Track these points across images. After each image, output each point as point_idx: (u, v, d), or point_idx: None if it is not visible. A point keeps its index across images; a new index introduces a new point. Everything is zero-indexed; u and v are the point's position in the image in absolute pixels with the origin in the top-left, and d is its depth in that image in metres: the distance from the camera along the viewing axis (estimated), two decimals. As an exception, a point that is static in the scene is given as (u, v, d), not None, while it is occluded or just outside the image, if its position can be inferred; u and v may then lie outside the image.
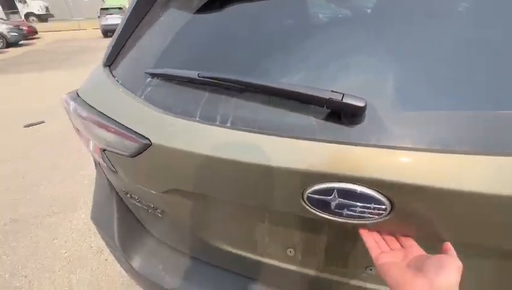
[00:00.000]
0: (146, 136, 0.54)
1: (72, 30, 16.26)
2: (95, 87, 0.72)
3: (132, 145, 0.56)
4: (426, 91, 0.46)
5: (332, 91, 0.42)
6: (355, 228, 0.51)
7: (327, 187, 0.44)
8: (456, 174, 0.38)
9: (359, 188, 0.42)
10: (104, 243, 1.70)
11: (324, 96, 0.42)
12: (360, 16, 0.59)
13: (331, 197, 0.44)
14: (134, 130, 0.56)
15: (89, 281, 1.48)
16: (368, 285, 0.62)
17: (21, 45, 11.30)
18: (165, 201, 0.65)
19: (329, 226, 0.56)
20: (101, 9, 13.63)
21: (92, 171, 2.45)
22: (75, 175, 2.42)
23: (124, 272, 1.53)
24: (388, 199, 0.42)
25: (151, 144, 0.54)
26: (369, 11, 0.57)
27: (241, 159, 0.47)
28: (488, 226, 0.42)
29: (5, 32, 10.62)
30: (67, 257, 1.63)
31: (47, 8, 19.52)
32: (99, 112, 0.62)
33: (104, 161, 0.69)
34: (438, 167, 0.39)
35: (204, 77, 0.52)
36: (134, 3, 0.71)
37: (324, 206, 0.46)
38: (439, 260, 0.41)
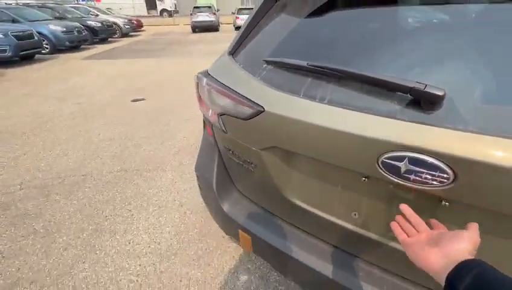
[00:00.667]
0: (261, 104, 0.75)
1: (168, 25, 18.81)
2: (222, 68, 0.97)
3: (249, 111, 0.78)
4: (495, 88, 0.54)
5: (417, 82, 0.54)
6: (416, 198, 0.61)
7: (399, 155, 0.55)
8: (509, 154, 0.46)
9: (428, 158, 0.53)
10: (183, 199, 2.08)
11: (409, 86, 0.54)
12: (442, 23, 0.67)
13: (402, 163, 0.56)
14: (253, 100, 0.77)
15: (172, 224, 1.86)
16: None
17: (131, 36, 13.75)
18: (261, 157, 0.85)
19: (393, 195, 0.67)
20: (194, 7, 15.37)
21: (175, 141, 2.95)
22: (164, 143, 2.95)
23: (197, 223, 1.86)
24: (452, 170, 0.51)
25: (263, 111, 0.74)
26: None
27: (333, 127, 0.63)
28: None
29: (121, 24, 13.07)
30: (157, 204, 2.06)
31: (175, 5, 23.45)
32: (226, 85, 0.86)
33: (218, 124, 0.93)
34: (496, 148, 0.47)
35: (312, 66, 0.69)
36: (256, 10, 0.93)
37: (395, 170, 0.57)
38: (454, 233, 0.45)
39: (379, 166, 0.59)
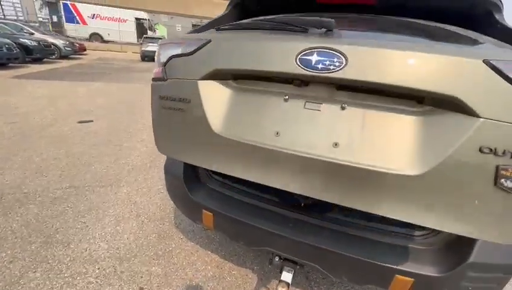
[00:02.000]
0: (208, 38, 1.06)
1: (115, 51, 18.31)
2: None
3: (197, 44, 1.05)
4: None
5: (320, 17, 0.99)
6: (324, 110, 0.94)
7: (311, 51, 0.85)
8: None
9: (329, 51, 0.84)
10: (140, 210, 2.19)
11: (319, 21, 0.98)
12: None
13: (312, 56, 0.84)
14: (202, 37, 1.08)
15: (130, 231, 1.96)
16: (336, 160, 0.87)
17: (72, 58, 12.95)
18: (197, 88, 1.04)
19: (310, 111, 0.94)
20: (144, 37, 15.59)
21: (129, 160, 3.03)
22: (117, 161, 3.00)
23: (156, 229, 2.00)
24: (344, 56, 0.83)
25: (210, 41, 1.03)
26: None
27: (268, 42, 0.96)
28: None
29: (60, 46, 12.31)
30: (113, 215, 2.13)
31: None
32: (182, 37, 1.22)
33: (161, 74, 1.15)
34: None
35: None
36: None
37: (308, 64, 0.85)
38: None
39: (297, 63, 0.87)
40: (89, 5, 20.09)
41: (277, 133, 0.95)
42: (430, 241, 1.06)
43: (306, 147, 0.91)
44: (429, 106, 0.83)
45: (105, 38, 21.58)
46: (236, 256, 1.82)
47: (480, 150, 0.73)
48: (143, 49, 14.83)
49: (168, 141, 1.21)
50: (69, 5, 20.06)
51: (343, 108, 0.91)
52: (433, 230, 1.06)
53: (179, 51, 1.11)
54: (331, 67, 0.84)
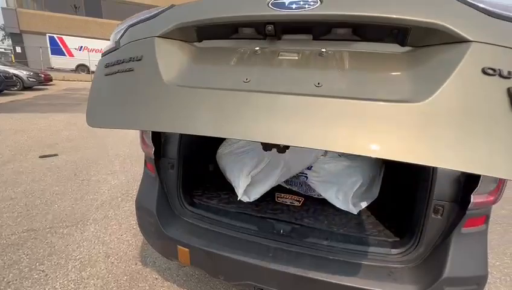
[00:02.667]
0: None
1: (85, 81, 17.79)
2: None
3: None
4: None
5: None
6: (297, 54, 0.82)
7: None
8: None
9: None
10: (110, 250, 2.02)
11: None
12: None
13: None
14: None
15: (98, 276, 1.77)
16: (323, 96, 0.69)
17: (37, 89, 12.31)
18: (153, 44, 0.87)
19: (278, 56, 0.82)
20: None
21: (98, 195, 2.84)
22: (84, 197, 2.79)
23: (127, 270, 1.84)
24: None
25: (173, 5, 0.97)
26: None
27: None
28: None
29: (23, 76, 11.71)
30: (79, 259, 1.92)
31: None
32: None
33: None
34: None
35: None
36: None
37: (282, 6, 0.76)
38: None
39: (270, 6, 0.78)
40: (76, 37, 19.95)
41: (247, 80, 0.79)
42: (407, 259, 1.08)
43: (286, 88, 0.74)
44: (412, 44, 0.76)
45: (92, 69, 21.14)
46: (216, 292, 1.71)
47: (484, 72, 0.63)
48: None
49: (108, 107, 0.93)
50: (56, 38, 19.71)
51: (321, 54, 0.81)
52: (409, 247, 1.09)
53: (137, 19, 1.01)
54: (306, 6, 0.76)
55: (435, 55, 0.71)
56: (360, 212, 1.42)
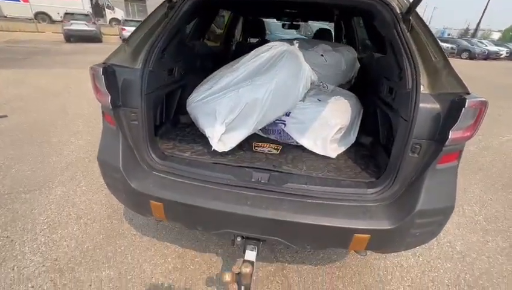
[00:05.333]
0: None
1: (31, 32, 15.30)
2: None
3: None
4: None
5: None
6: None
7: None
8: None
9: None
10: (81, 212, 1.92)
11: None
12: None
13: None
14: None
15: (71, 237, 1.69)
16: None
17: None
18: None
19: None
20: (65, 13, 13.21)
21: (62, 157, 2.62)
22: (46, 160, 2.55)
23: (103, 229, 1.78)
24: None
25: None
26: None
27: None
28: None
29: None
30: (47, 223, 1.81)
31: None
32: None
33: None
34: None
35: None
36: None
37: None
38: None
39: None
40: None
41: None
42: (382, 197, 1.10)
43: None
44: None
45: (54, 18, 17.77)
46: (198, 242, 1.72)
47: None
48: (66, 28, 12.62)
49: None
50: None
51: None
52: (385, 187, 1.11)
53: None
54: None
55: None
56: (338, 156, 1.41)
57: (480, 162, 3.09)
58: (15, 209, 1.91)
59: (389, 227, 1.01)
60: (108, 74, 1.11)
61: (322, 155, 1.43)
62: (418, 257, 1.71)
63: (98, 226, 1.81)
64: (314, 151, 1.43)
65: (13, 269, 1.47)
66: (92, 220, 1.86)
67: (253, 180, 1.19)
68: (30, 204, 1.97)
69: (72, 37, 12.71)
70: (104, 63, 1.15)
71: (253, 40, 3.53)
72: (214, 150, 1.30)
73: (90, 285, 1.41)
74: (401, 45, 1.07)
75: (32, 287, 1.38)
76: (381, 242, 1.07)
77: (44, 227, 1.77)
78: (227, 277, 1.08)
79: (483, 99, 0.93)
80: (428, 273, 1.61)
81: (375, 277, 1.57)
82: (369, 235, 1.03)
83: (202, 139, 1.48)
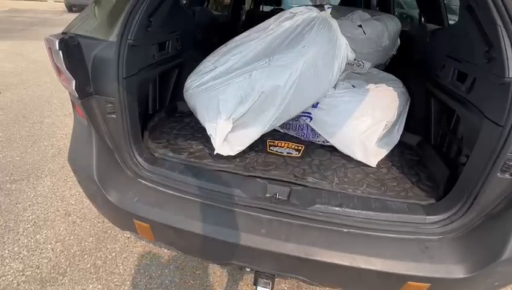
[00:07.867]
0: None
1: (31, 0, 14.69)
2: None
3: None
4: None
5: None
6: None
7: None
8: None
9: None
10: (70, 207, 1.71)
11: None
12: None
13: None
14: None
15: (57, 239, 1.49)
16: None
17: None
18: None
19: None
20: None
21: (54, 140, 2.39)
22: (36, 144, 2.33)
23: (93, 230, 1.58)
24: None
25: None
26: None
27: None
28: None
29: None
30: (31, 220, 1.61)
31: None
32: None
33: None
34: None
35: None
36: None
37: None
38: None
39: None
40: None
41: None
42: (450, 228, 0.79)
43: None
44: None
45: None
46: (200, 250, 1.50)
47: None
48: (68, -5, 11.97)
49: None
50: None
51: None
52: (455, 214, 0.80)
53: None
54: None
55: None
56: (378, 164, 1.08)
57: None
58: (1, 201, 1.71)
59: (461, 276, 0.71)
60: (70, 49, 0.79)
61: (357, 160, 1.10)
62: None
63: (88, 226, 1.60)
64: (351, 155, 1.09)
65: (-11, 277, 1.28)
66: (82, 218, 1.65)
67: (268, 195, 0.90)
68: (15, 197, 1.76)
69: (74, 6, 12.06)
70: (63, 33, 0.83)
71: (267, 9, 3.07)
72: (216, 153, 1.00)
73: (74, 301, 1.22)
74: (495, 7, 0.69)
75: (9, 301, 1.20)
76: None
77: (28, 225, 1.57)
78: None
79: None
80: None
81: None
82: (429, 285, 0.74)
83: (204, 134, 1.16)
